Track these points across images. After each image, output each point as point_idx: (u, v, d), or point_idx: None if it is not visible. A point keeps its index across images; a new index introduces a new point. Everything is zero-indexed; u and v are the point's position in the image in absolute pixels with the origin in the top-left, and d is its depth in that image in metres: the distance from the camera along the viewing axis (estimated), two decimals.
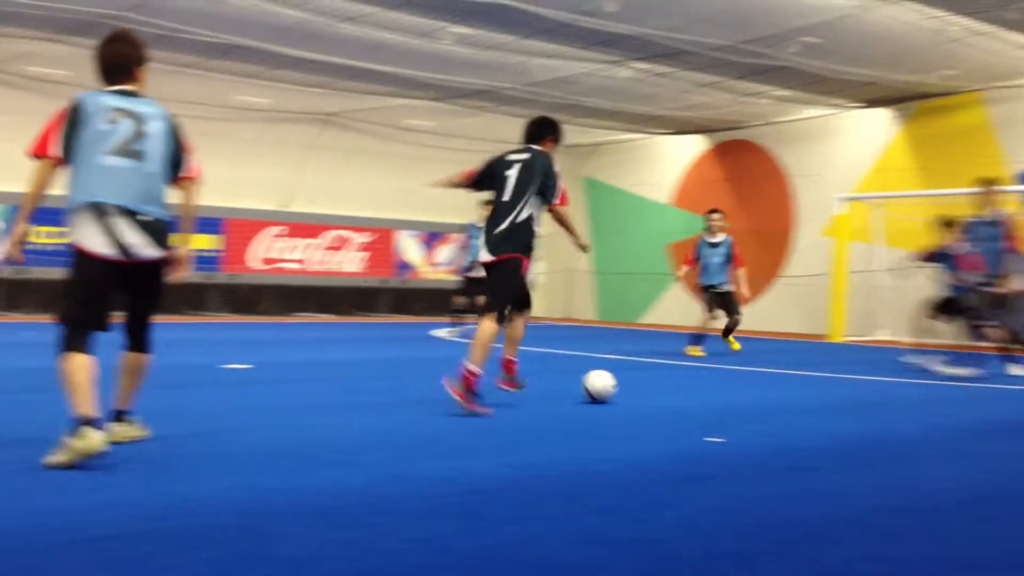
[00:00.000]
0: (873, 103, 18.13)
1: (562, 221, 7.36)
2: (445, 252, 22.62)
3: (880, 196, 17.52)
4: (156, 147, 5.03)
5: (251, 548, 3.42)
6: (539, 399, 7.72)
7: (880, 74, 15.63)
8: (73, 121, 4.90)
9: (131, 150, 4.94)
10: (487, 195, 7.51)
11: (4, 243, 8.57)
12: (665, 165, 22.27)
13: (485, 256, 7.12)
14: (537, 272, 24.62)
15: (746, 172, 20.56)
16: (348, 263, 21.64)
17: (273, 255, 20.75)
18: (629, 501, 4.33)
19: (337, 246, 21.46)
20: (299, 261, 21.01)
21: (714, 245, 13.17)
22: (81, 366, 4.76)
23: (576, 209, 24.09)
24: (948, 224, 11.36)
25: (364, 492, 4.36)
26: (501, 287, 7.08)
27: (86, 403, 4.66)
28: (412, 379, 9.22)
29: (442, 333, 15.06)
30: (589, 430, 6.38)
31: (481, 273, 14.31)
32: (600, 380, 7.63)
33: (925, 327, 11.61)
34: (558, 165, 7.32)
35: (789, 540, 3.77)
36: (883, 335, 16.72)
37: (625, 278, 22.59)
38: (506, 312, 7.07)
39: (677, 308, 21.28)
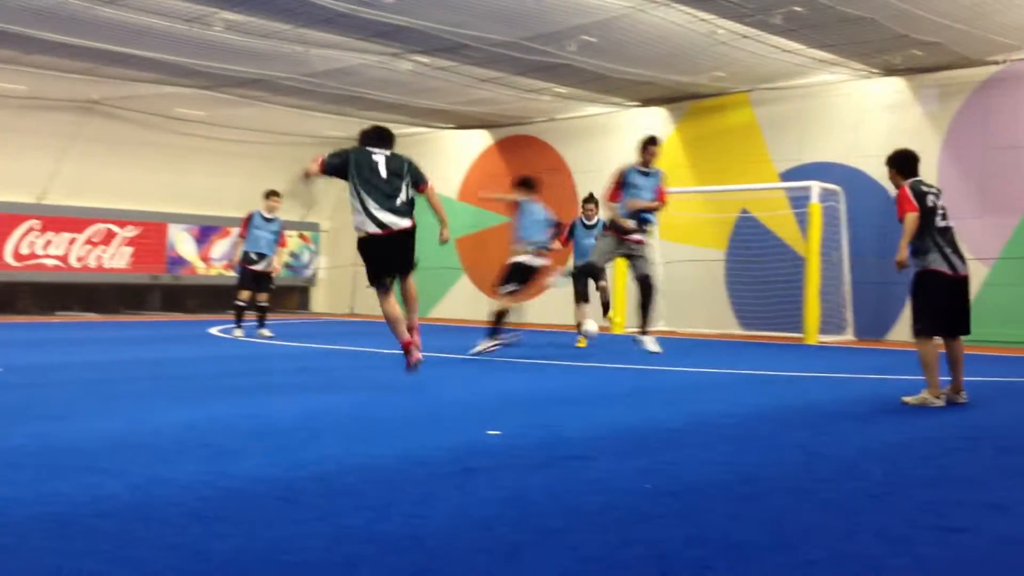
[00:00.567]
0: (649, 102, 18.73)
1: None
2: (221, 246, 21.84)
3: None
4: None
5: None
6: (317, 396, 7.58)
7: (654, 74, 16.14)
8: None
9: None
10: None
11: None
12: (450, 159, 22.32)
13: (402, 223, 8.28)
14: (321, 267, 24.24)
15: (531, 167, 20.75)
16: (114, 259, 20.51)
17: (28, 251, 19.43)
18: (400, 497, 4.23)
19: (102, 241, 20.31)
20: (60, 257, 19.77)
21: (590, 227, 13.92)
22: None
23: None
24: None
25: (114, 499, 4.10)
26: (413, 252, 8.48)
27: None
28: (181, 380, 8.82)
29: (238, 333, 14.42)
30: (365, 427, 6.26)
31: (262, 267, 14.02)
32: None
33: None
34: None
35: (556, 529, 3.77)
36: (660, 326, 17.26)
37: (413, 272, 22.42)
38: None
39: (465, 303, 21.39)
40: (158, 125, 20.11)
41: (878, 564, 3.39)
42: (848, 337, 15.81)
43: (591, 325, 12.69)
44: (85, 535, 3.55)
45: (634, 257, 11.53)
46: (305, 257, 23.53)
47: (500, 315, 11.76)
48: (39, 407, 6.85)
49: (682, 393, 8.58)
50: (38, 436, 5.56)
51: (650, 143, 11.63)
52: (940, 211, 7.84)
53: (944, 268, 7.75)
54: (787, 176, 16.95)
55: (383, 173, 8.32)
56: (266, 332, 14.47)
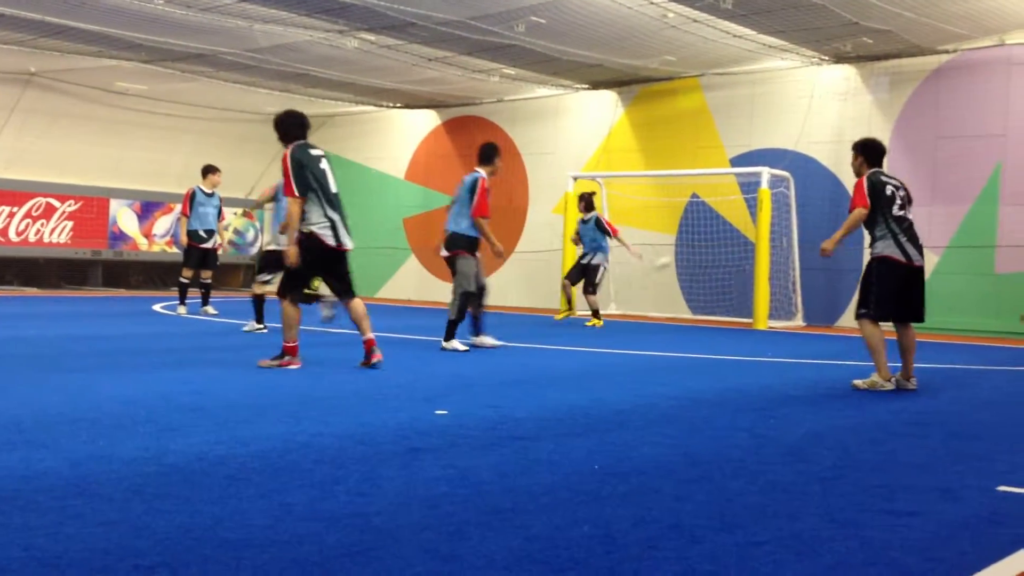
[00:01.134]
0: (598, 85, 18.70)
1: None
2: (163, 223, 21.47)
3: (608, 175, 18.11)
4: None
5: None
6: (261, 375, 7.49)
7: (604, 57, 16.10)
8: None
9: None
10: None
11: None
12: (398, 139, 22.15)
13: (349, 244, 8.06)
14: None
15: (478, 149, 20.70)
16: (55, 233, 20.07)
17: None
18: (345, 475, 4.18)
19: (42, 215, 19.87)
20: None
21: (585, 221, 14.99)
22: None
23: None
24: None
25: (53, 474, 4.01)
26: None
27: None
28: (124, 356, 8.66)
29: (181, 310, 14.18)
30: (311, 405, 6.19)
31: (210, 244, 13.57)
32: None
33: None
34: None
35: (503, 508, 3.74)
36: (612, 309, 17.32)
37: (362, 252, 22.26)
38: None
39: (413, 283, 21.27)
40: (98, 99, 19.68)
41: (825, 547, 3.39)
42: (798, 323, 15.96)
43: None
44: (22, 511, 3.46)
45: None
46: (250, 235, 23.23)
47: (258, 300, 11.88)
48: None
49: (631, 376, 8.59)
50: None
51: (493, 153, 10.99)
52: (899, 201, 7.91)
53: (898, 256, 7.80)
54: (737, 162, 17.03)
55: (332, 184, 8.18)
56: (210, 309, 14.29)
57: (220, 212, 14.51)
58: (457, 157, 20.89)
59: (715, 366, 9.66)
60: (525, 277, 19.60)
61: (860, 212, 7.83)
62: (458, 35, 14.80)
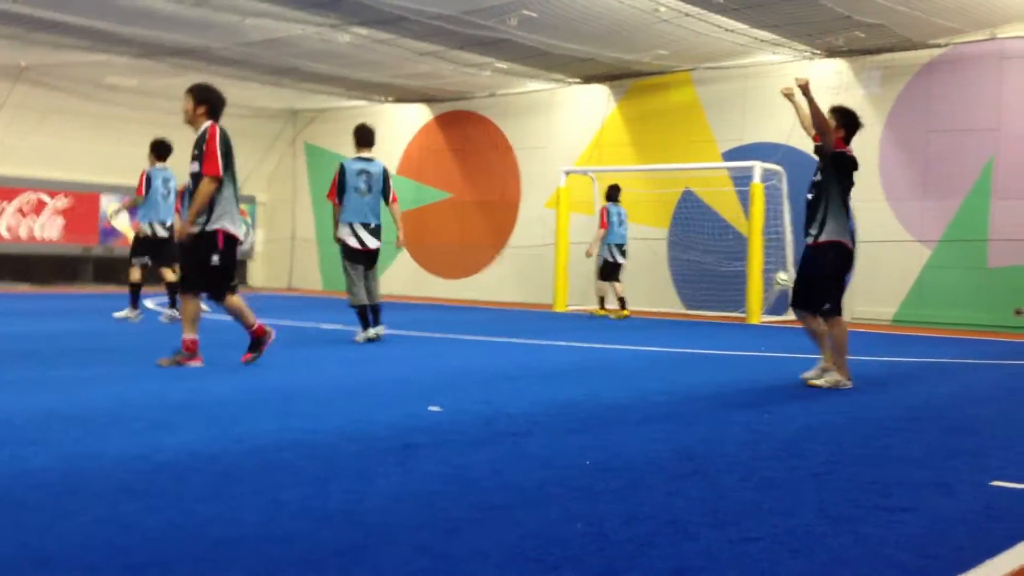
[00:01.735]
0: (590, 79, 18.68)
1: None
2: None
3: (600, 170, 18.08)
4: None
5: None
6: (253, 371, 7.47)
7: (596, 51, 16.08)
8: None
9: None
10: None
11: None
12: (389, 134, 22.07)
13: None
14: (258, 241, 23.90)
15: (471, 143, 20.72)
16: (45, 229, 19.98)
17: None
18: (338, 473, 4.16)
19: (33, 211, 19.77)
20: None
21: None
22: None
23: (297, 176, 23.56)
24: None
25: (44, 472, 3.99)
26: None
27: None
28: (115, 353, 8.63)
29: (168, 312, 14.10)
30: (303, 402, 6.16)
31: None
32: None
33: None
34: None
35: (497, 505, 3.73)
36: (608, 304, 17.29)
37: None
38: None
39: (401, 278, 21.23)
40: (90, 94, 19.59)
41: (820, 543, 3.38)
42: (791, 317, 15.92)
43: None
44: (13, 508, 3.44)
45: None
46: (242, 231, 23.16)
47: (135, 287, 12.18)
48: None
49: (624, 371, 8.58)
50: None
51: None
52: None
53: (847, 241, 7.63)
54: (729, 156, 17.02)
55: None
56: (202, 306, 14.18)
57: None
58: (449, 152, 20.86)
59: (708, 361, 9.65)
60: (517, 272, 19.58)
61: (835, 136, 7.76)
62: (450, 29, 14.76)
